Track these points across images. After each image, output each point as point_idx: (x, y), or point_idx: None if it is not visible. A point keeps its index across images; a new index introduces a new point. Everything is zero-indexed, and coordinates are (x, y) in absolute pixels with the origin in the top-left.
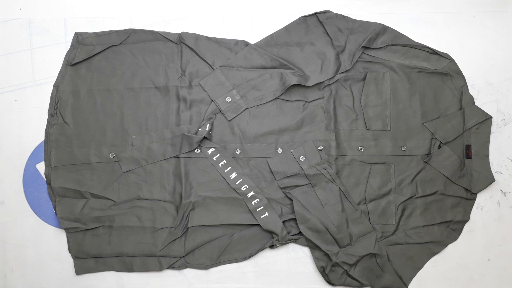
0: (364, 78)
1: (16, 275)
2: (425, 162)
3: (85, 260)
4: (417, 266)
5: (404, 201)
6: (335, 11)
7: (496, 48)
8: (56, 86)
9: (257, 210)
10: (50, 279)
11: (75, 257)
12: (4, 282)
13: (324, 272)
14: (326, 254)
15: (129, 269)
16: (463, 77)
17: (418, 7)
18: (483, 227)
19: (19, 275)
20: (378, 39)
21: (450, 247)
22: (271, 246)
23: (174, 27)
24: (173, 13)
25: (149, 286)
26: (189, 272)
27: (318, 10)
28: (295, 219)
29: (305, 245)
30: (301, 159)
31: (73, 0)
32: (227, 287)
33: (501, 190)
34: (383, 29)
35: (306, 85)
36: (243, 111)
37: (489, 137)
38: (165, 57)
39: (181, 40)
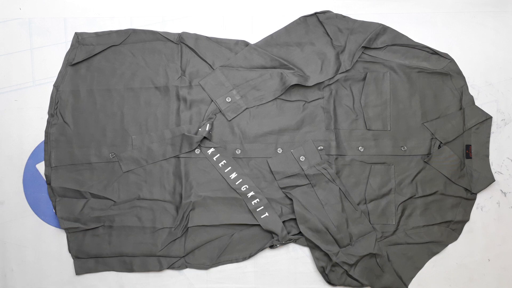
0: (364, 78)
1: (16, 275)
2: (425, 162)
3: (85, 260)
4: (417, 266)
5: (404, 201)
6: (335, 11)
7: (496, 48)
8: (56, 86)
9: (257, 210)
10: (50, 279)
11: (75, 257)
12: (4, 282)
13: (324, 272)
14: (326, 254)
15: (129, 269)
16: (463, 77)
17: (418, 7)
18: (483, 227)
19: (19, 275)
20: (378, 39)
21: (450, 247)
22: (271, 246)
23: (174, 27)
24: (173, 13)
25: (149, 286)
26: (189, 272)
27: (318, 10)
28: (295, 219)
29: (305, 245)
30: (301, 159)
31: (73, 0)
32: (227, 287)
33: (501, 190)
34: (383, 29)
35: (306, 85)
36: (243, 111)
37: (489, 137)
38: (165, 57)
39: (181, 40)
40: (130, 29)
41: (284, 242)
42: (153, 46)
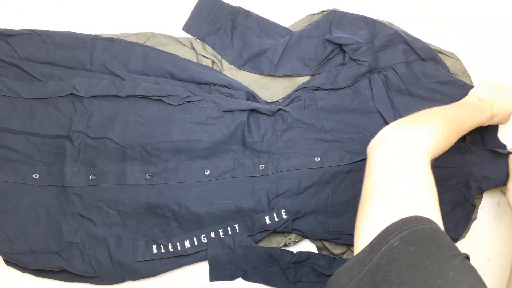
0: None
1: (17, 275)
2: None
3: None
4: None
5: None
6: None
7: (496, 48)
8: None
9: None
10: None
11: None
12: (4, 282)
13: None
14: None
15: None
16: (469, 76)
17: (419, 7)
18: (483, 227)
19: (19, 275)
20: None
21: None
22: (284, 245)
23: (174, 28)
24: (173, 13)
25: (149, 286)
26: (189, 272)
27: (323, 9)
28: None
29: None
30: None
31: (73, 0)
32: (229, 287)
33: (501, 190)
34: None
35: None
36: None
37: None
38: None
39: (192, 46)
40: (149, 32)
41: (298, 240)
42: (173, 51)
